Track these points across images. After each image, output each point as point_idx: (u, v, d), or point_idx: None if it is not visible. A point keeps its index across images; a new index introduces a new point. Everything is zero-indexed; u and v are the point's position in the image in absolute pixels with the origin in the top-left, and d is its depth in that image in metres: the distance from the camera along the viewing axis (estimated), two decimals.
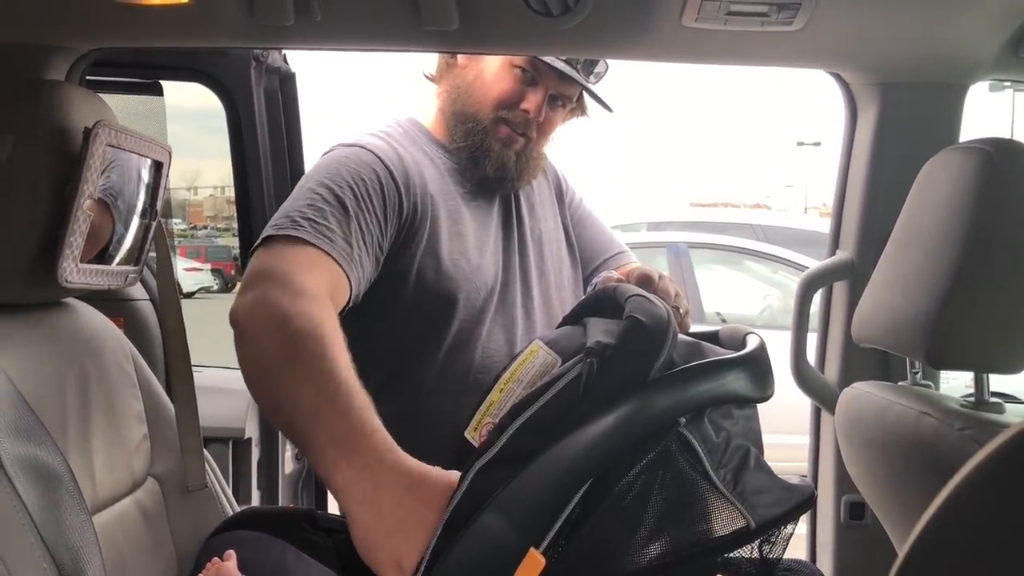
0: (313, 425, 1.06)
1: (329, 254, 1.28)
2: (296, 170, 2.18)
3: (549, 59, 1.49)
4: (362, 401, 1.07)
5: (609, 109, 1.61)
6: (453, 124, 1.56)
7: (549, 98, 1.54)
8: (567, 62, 1.50)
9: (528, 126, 1.53)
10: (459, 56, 1.58)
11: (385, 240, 1.41)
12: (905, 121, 1.58)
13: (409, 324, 1.46)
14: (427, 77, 1.63)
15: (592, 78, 1.56)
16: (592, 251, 1.70)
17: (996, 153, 1.11)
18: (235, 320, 1.18)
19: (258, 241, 1.30)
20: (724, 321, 4.91)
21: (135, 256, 1.39)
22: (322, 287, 1.22)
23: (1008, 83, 1.73)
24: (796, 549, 1.16)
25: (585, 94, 1.60)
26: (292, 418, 1.08)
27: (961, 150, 1.18)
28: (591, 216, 1.75)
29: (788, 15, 1.35)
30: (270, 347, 1.13)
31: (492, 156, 1.53)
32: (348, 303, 1.33)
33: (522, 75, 1.52)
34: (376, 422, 1.06)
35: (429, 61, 1.64)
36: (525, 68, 1.51)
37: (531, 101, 1.52)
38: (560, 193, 1.73)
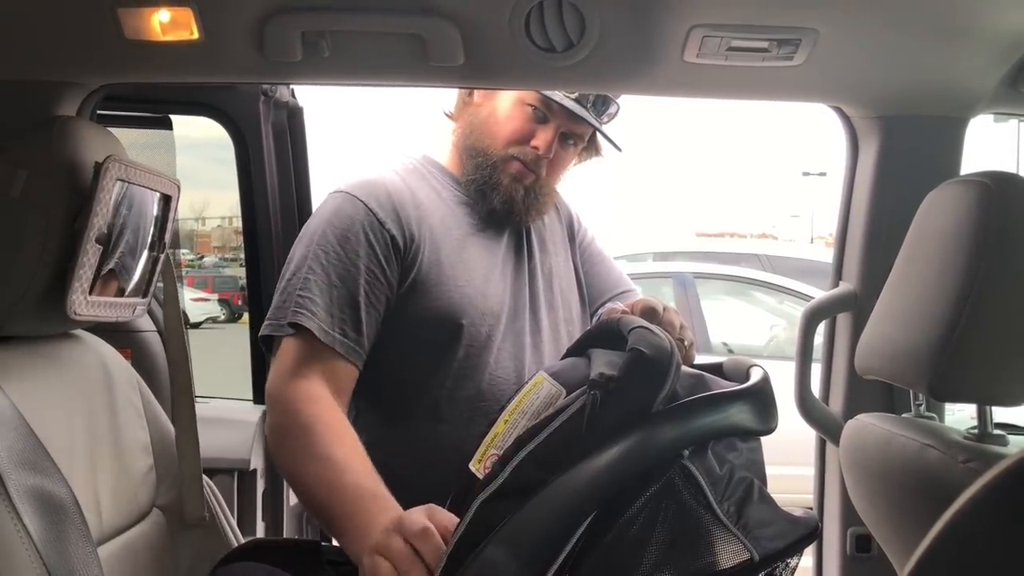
0: (325, 506, 1.26)
1: (331, 347, 1.40)
2: (303, 202, 2.20)
3: (559, 98, 1.52)
4: (357, 479, 1.25)
5: (618, 148, 1.64)
6: (465, 159, 1.59)
7: (560, 136, 1.56)
8: (578, 101, 1.53)
9: (538, 163, 1.55)
10: (476, 94, 1.61)
11: (389, 281, 1.46)
12: (906, 154, 1.59)
13: (416, 350, 1.48)
14: (447, 115, 1.67)
15: (604, 117, 1.58)
16: (599, 288, 1.71)
17: (995, 186, 1.12)
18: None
19: (262, 332, 1.46)
20: (731, 351, 4.90)
21: (143, 288, 1.40)
22: (316, 384, 1.37)
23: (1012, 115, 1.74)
24: None
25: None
26: (310, 502, 1.32)
27: (961, 183, 1.19)
28: (601, 255, 1.77)
29: (788, 51, 1.37)
30: (288, 462, 1.35)
31: (500, 190, 1.55)
32: (361, 362, 1.44)
33: (533, 113, 1.54)
34: (373, 491, 1.23)
35: (450, 99, 1.67)
36: (536, 106, 1.54)
37: (541, 138, 1.54)
38: (572, 232, 1.75)
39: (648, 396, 0.99)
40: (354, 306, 1.42)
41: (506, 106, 1.56)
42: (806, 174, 31.10)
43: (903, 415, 1.40)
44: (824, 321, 1.72)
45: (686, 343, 1.38)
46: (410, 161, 1.63)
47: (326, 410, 1.34)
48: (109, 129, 1.37)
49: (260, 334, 1.47)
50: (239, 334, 2.22)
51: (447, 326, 1.48)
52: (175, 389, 1.51)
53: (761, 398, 1.05)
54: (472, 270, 1.52)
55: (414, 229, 1.48)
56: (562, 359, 1.35)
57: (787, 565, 1.01)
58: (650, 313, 1.34)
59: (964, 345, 1.11)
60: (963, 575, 0.52)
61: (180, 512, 1.43)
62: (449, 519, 1.07)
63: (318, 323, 1.39)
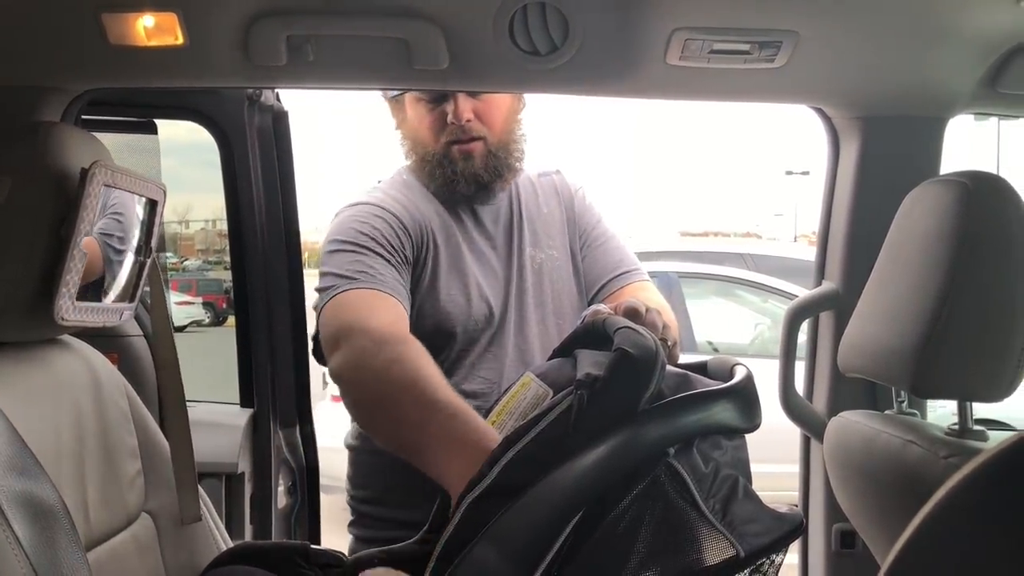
0: (421, 436, 1.21)
1: (389, 293, 1.45)
2: (289, 205, 2.20)
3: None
4: (451, 397, 1.22)
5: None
6: (419, 169, 1.64)
7: (467, 94, 1.58)
8: None
9: (468, 130, 1.58)
10: (395, 117, 1.66)
11: (406, 276, 1.53)
12: (886, 154, 1.61)
13: None
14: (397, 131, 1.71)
15: None
16: (596, 273, 1.70)
17: (973, 186, 1.14)
18: (338, 377, 1.37)
19: (324, 302, 1.46)
20: (716, 350, 4.92)
21: (130, 293, 1.40)
22: (394, 324, 1.40)
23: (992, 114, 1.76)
24: None
25: None
26: (400, 438, 1.26)
27: (940, 183, 1.21)
28: (604, 236, 1.74)
29: (770, 53, 1.39)
30: (375, 396, 1.30)
31: (460, 175, 1.58)
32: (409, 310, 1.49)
33: (430, 100, 1.58)
34: (469, 414, 1.19)
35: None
36: (428, 93, 1.57)
37: (451, 112, 1.57)
38: (572, 217, 1.74)
39: (634, 395, 1.00)
40: (398, 277, 1.49)
41: (412, 113, 1.61)
42: (789, 173, 31.27)
43: (886, 412, 1.42)
44: (808, 319, 1.74)
45: (669, 343, 1.39)
46: (400, 175, 1.67)
47: (412, 341, 1.35)
48: (94, 134, 1.36)
49: (328, 297, 1.46)
50: (225, 337, 2.21)
51: (440, 334, 1.54)
52: (165, 392, 1.51)
53: (745, 396, 1.06)
54: (465, 279, 1.57)
55: (422, 240, 1.57)
56: (548, 360, 1.37)
57: (772, 561, 1.02)
58: (633, 314, 1.35)
59: (944, 342, 1.12)
60: (942, 567, 0.53)
61: (172, 516, 1.43)
62: None
63: (390, 287, 1.45)
